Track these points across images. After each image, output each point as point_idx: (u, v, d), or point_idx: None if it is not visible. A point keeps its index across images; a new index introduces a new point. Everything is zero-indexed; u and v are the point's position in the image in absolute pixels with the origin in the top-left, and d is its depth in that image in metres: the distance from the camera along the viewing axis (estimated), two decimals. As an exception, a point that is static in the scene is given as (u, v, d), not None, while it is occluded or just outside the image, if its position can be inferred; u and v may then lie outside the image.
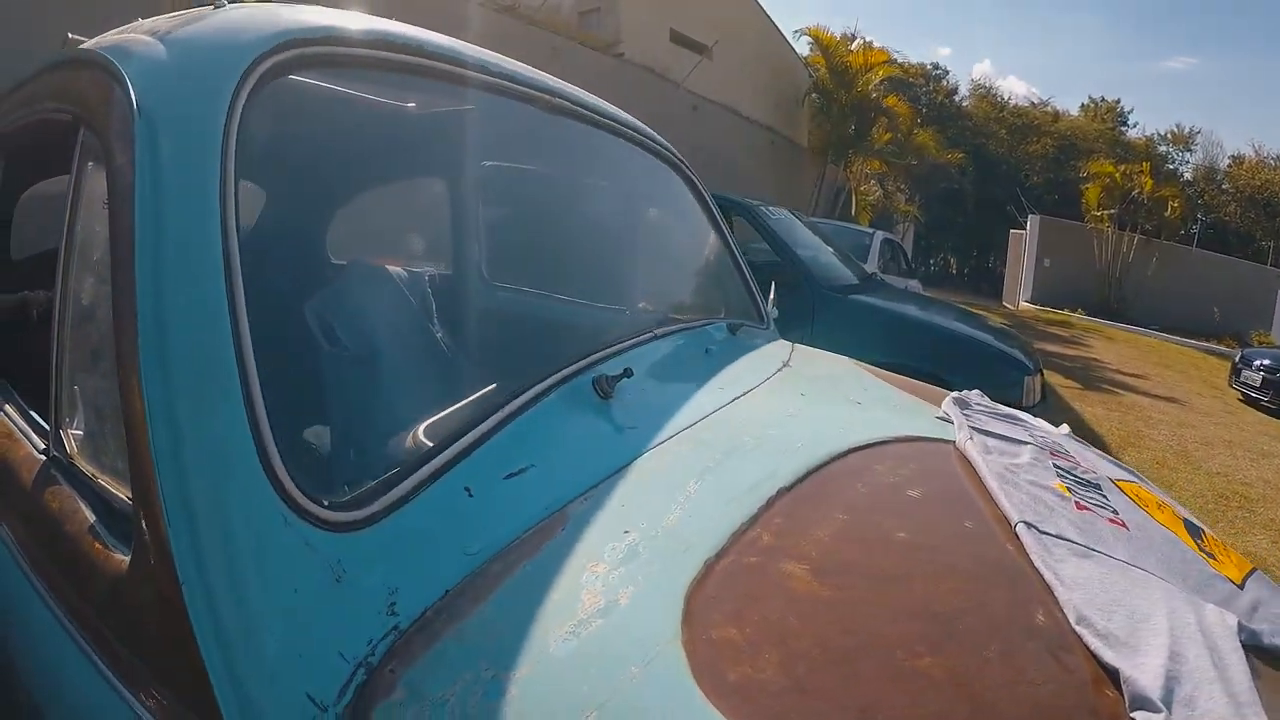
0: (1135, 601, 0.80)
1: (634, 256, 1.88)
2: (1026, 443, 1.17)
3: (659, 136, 1.83)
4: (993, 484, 0.98)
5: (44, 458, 0.95)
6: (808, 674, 0.62)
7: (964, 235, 29.68)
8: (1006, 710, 0.62)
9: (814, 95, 17.13)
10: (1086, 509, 0.97)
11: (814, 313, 4.77)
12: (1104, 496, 1.05)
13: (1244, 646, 0.77)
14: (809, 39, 16.51)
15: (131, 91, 0.80)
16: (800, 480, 0.91)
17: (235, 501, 0.67)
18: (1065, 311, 17.07)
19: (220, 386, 0.70)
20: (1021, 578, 0.80)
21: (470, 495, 0.80)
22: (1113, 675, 0.67)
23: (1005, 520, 0.89)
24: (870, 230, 10.60)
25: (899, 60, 29.13)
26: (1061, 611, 0.74)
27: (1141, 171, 17.83)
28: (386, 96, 1.30)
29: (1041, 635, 0.71)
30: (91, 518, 0.81)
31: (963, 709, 0.61)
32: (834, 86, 16.17)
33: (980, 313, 16.09)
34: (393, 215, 1.84)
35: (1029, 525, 0.89)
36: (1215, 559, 0.98)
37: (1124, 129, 31.97)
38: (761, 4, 16.44)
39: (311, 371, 0.99)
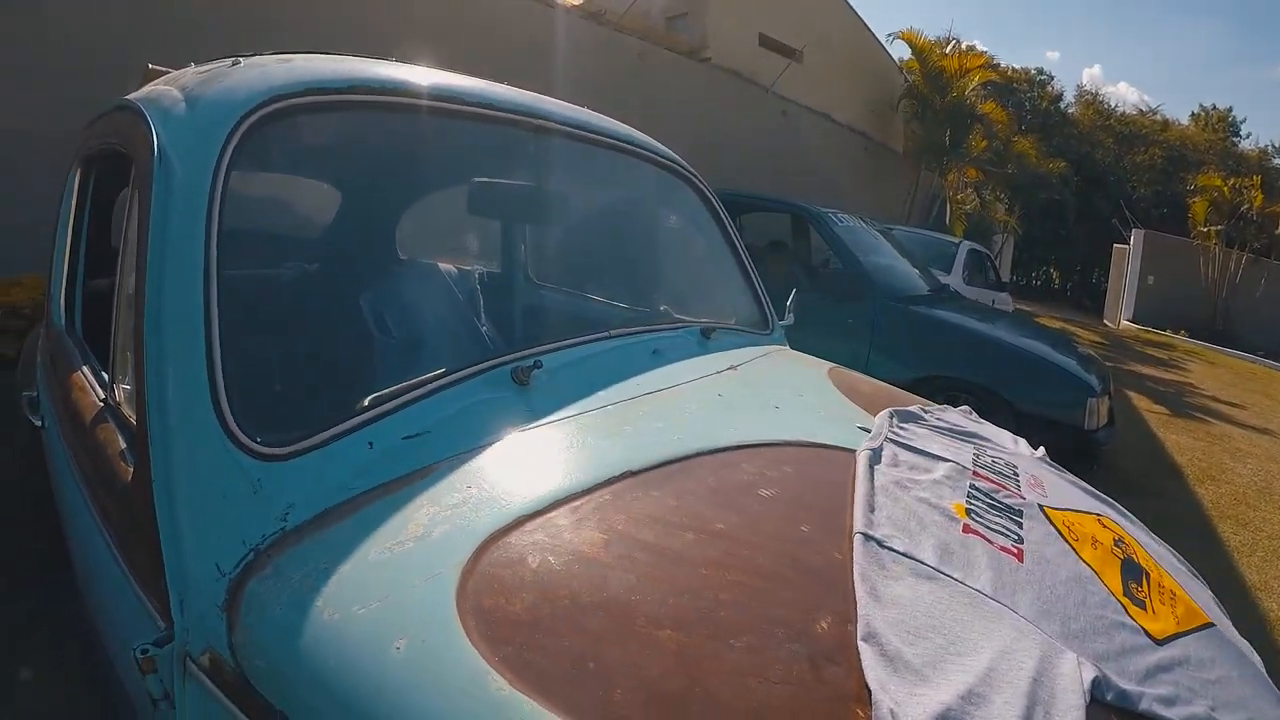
0: (963, 633, 0.79)
1: (625, 260, 2.00)
2: (948, 460, 1.18)
3: (668, 151, 1.93)
4: (860, 494, 0.99)
5: (101, 404, 1.22)
6: (545, 616, 0.74)
7: (1068, 249, 28.27)
8: (720, 695, 0.66)
9: (908, 100, 16.76)
10: (975, 533, 0.98)
11: (875, 323, 4.76)
12: (1015, 524, 1.04)
13: (1107, 706, 0.77)
14: (903, 42, 16.15)
15: (154, 137, 1.08)
16: (653, 468, 1.01)
17: (193, 432, 0.93)
18: (1167, 332, 16.12)
19: (192, 353, 0.95)
20: (827, 585, 0.83)
21: (371, 448, 1.02)
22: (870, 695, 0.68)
23: (869, 539, 0.91)
24: (956, 240, 10.33)
25: (1000, 65, 28.12)
26: (855, 625, 0.76)
27: (1252, 185, 16.66)
28: (366, 131, 1.45)
29: (812, 642, 0.74)
30: (122, 445, 1.06)
31: (676, 683, 0.67)
32: (928, 91, 15.78)
33: (1069, 331, 15.42)
34: (360, 224, 2.01)
35: (867, 537, 0.91)
36: (1144, 608, 0.96)
37: (1236, 139, 29.81)
38: (855, 8, 16.21)
39: (263, 344, 1.22)
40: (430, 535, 0.87)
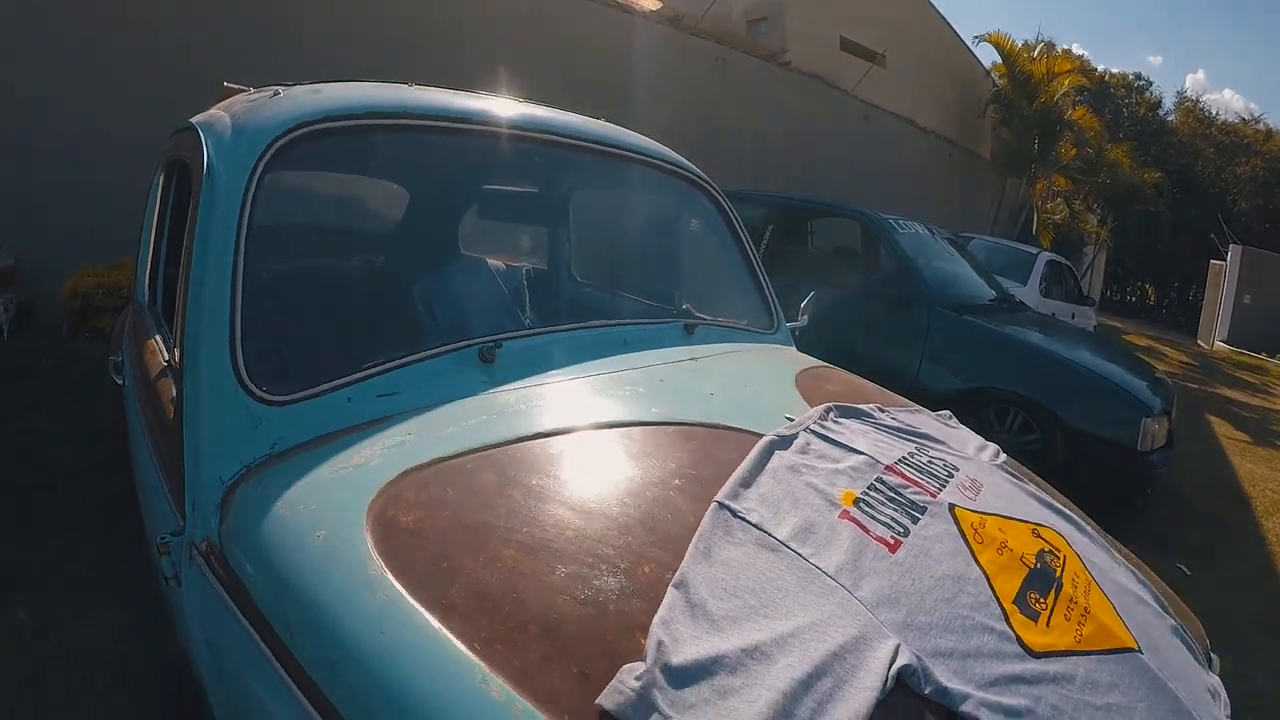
0: (779, 599, 0.84)
1: (629, 258, 2.16)
2: (863, 454, 1.23)
3: (679, 158, 2.08)
4: (740, 470, 1.08)
5: (165, 364, 1.49)
6: (425, 527, 0.95)
7: (1164, 264, 26.77)
8: (529, 602, 0.81)
9: (995, 106, 16.30)
10: (852, 520, 1.03)
11: (928, 332, 4.75)
12: (908, 519, 1.08)
13: (922, 699, 0.79)
14: (989, 46, 15.69)
15: (205, 154, 1.35)
16: (560, 432, 1.18)
17: (214, 381, 1.18)
18: (1263, 356, 15.22)
19: (219, 323, 1.20)
20: (667, 540, 0.94)
21: (349, 402, 1.25)
22: (651, 649, 0.76)
23: (724, 506, 1.00)
24: (1034, 250, 10.02)
25: (1097, 70, 26.86)
26: (673, 573, 0.86)
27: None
28: (376, 147, 1.68)
29: (627, 580, 0.86)
30: (173, 394, 1.28)
31: (499, 588, 0.83)
32: (1015, 96, 15.32)
33: (1157, 350, 14.72)
34: (366, 227, 2.26)
35: (721, 505, 0.99)
36: (1034, 620, 0.97)
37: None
38: (942, 12, 15.89)
39: (273, 319, 1.44)
40: (368, 464, 1.10)
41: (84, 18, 5.57)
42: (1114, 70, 27.97)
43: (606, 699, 0.70)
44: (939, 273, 5.25)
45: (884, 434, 1.39)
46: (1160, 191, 19.10)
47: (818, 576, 0.91)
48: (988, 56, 16.84)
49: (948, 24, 16.21)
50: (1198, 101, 27.44)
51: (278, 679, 0.86)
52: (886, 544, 1.01)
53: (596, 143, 1.87)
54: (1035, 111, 14.98)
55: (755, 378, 1.65)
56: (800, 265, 5.65)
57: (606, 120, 2.11)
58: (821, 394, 1.59)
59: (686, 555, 0.90)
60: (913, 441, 1.39)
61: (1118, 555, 1.36)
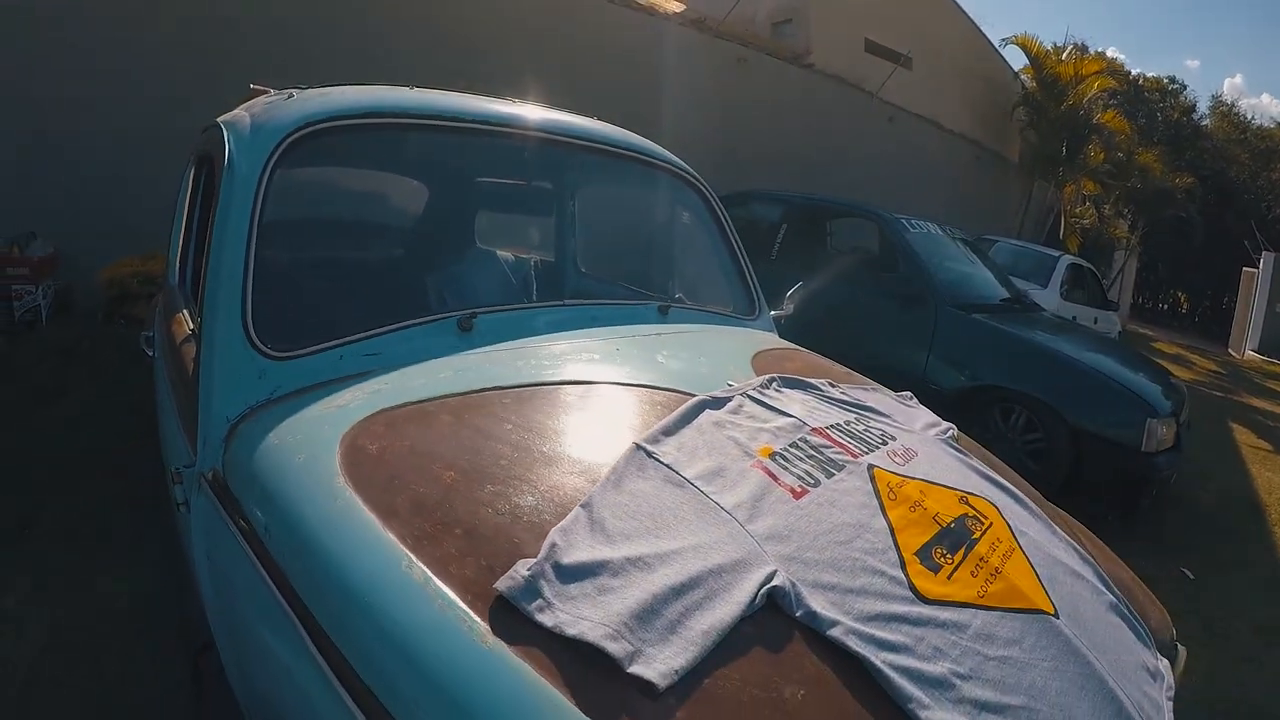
0: (673, 523, 0.95)
1: (616, 247, 2.28)
2: (792, 418, 1.31)
3: (672, 156, 2.19)
4: (666, 420, 1.19)
5: (190, 331, 1.66)
6: (386, 455, 1.10)
7: (1197, 271, 26.18)
8: (457, 510, 0.96)
9: (1023, 109, 16.15)
10: (764, 470, 1.12)
11: (935, 329, 4.80)
12: (821, 474, 1.14)
13: (793, 620, 0.86)
14: (1016, 48, 15.55)
15: (227, 148, 1.53)
16: (516, 386, 1.33)
17: (227, 337, 1.36)
18: (1294, 366, 14.96)
19: (234, 291, 1.38)
20: (586, 471, 1.07)
21: (340, 359, 1.41)
22: (545, 549, 0.89)
23: (640, 447, 1.12)
24: (1056, 254, 9.97)
25: (1132, 73, 26.42)
26: (585, 496, 1.00)
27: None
28: (378, 143, 1.85)
29: (543, 500, 1.00)
30: (195, 352, 1.46)
31: (435, 500, 0.98)
32: (1044, 99, 15.16)
33: (1185, 358, 14.48)
34: (368, 214, 2.42)
35: (638, 447, 1.10)
36: (934, 571, 1.00)
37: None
38: (970, 14, 15.78)
39: (280, 291, 1.59)
40: (347, 406, 1.26)
41: (121, 24, 5.81)
42: (1149, 74, 27.48)
43: (502, 584, 0.82)
44: (949, 272, 5.29)
45: (824, 403, 1.46)
46: (1192, 197, 18.76)
47: (714, 510, 1.00)
48: (1017, 60, 16.70)
49: (975, 26, 16.06)
50: (1233, 106, 26.87)
51: (256, 574, 1.04)
52: (792, 491, 1.08)
53: (585, 139, 2.00)
54: (1063, 114, 14.81)
55: (711, 352, 1.75)
56: (814, 263, 5.72)
57: (617, 121, 2.23)
58: (776, 369, 1.65)
59: (599, 485, 1.02)
60: (853, 412, 1.45)
61: (1060, 532, 1.38)
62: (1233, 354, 16.88)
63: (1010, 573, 1.06)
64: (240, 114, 1.66)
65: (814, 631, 0.86)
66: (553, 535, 0.90)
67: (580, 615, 0.79)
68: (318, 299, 1.82)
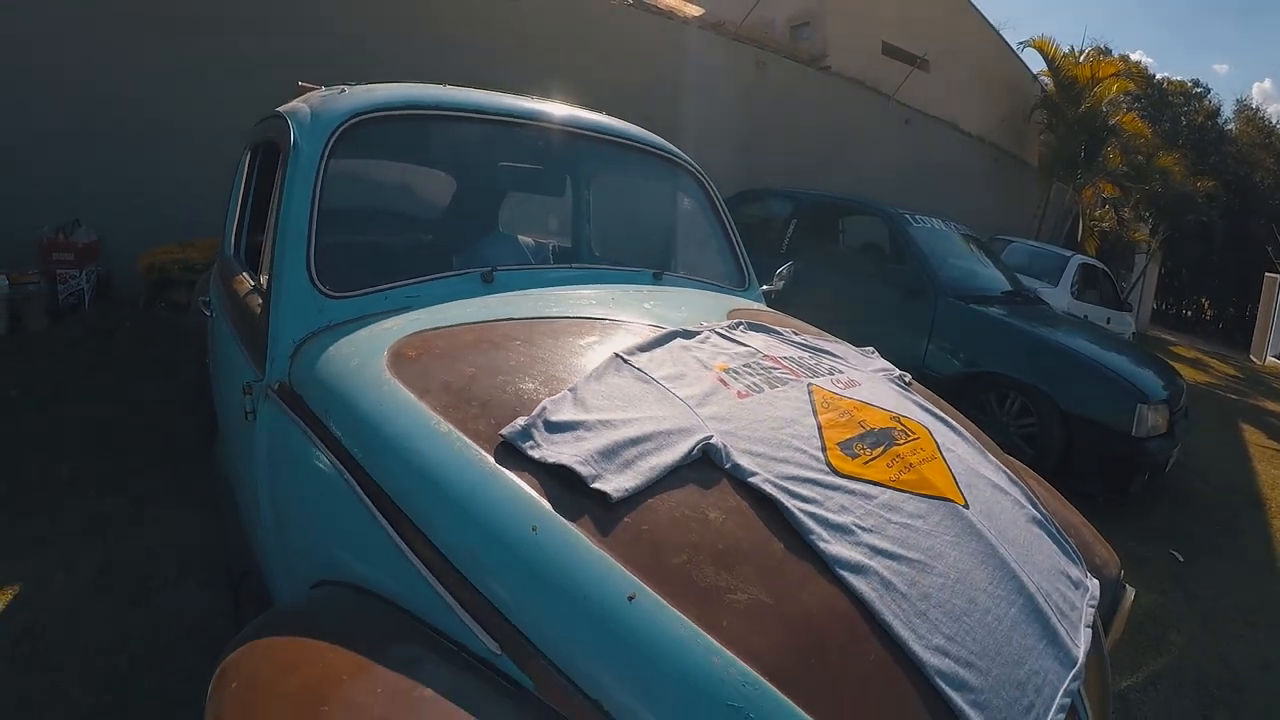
0: (639, 403, 1.18)
1: (622, 225, 2.55)
2: (749, 348, 1.51)
3: (669, 145, 2.46)
4: (642, 341, 1.41)
5: (252, 286, 1.95)
6: (421, 360, 1.33)
7: (1219, 277, 25.81)
8: (476, 392, 1.19)
9: (1042, 111, 16.15)
10: (718, 379, 1.32)
11: (934, 318, 4.96)
12: (764, 384, 1.33)
13: (722, 470, 1.05)
14: (1034, 51, 15.54)
15: (291, 135, 1.79)
16: (524, 319, 1.56)
17: (294, 280, 1.60)
18: (1314, 372, 14.81)
19: (299, 246, 1.63)
20: (576, 374, 1.28)
21: (384, 299, 1.65)
22: (537, 409, 1.12)
23: (618, 355, 1.35)
24: (1068, 254, 10.04)
25: (1154, 76, 26.15)
26: (571, 384, 1.22)
27: None
28: (417, 132, 2.12)
29: (542, 386, 1.23)
30: (260, 300, 1.74)
31: (459, 385, 1.22)
32: (1062, 101, 15.16)
33: (1203, 363, 14.37)
34: (408, 188, 2.70)
35: (616, 355, 1.33)
36: (850, 457, 1.15)
37: None
38: (989, 18, 15.83)
39: (336, 245, 1.79)
40: (390, 329, 1.49)
41: (164, 26, 6.13)
42: (1173, 77, 27.09)
43: (505, 430, 1.07)
44: (949, 264, 5.45)
45: (782, 343, 1.64)
46: (1213, 201, 18.61)
47: (670, 397, 1.22)
48: (1036, 63, 16.70)
49: (993, 29, 16.12)
50: (1258, 110, 26.49)
51: (318, 449, 1.28)
52: (738, 393, 1.28)
53: (595, 131, 2.27)
54: (1081, 116, 14.79)
55: (692, 305, 1.94)
56: (822, 256, 5.90)
57: (637, 122, 2.49)
58: (747, 320, 1.83)
59: (579, 379, 1.25)
60: (808, 351, 1.63)
61: (993, 459, 1.50)
62: (1254, 360, 16.74)
63: (926, 470, 1.20)
64: (300, 105, 1.94)
65: (738, 479, 1.05)
66: (544, 403, 1.14)
67: (560, 451, 1.03)
68: (366, 254, 2.16)
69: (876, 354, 1.87)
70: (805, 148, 11.18)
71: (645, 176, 2.56)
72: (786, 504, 1.00)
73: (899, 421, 1.34)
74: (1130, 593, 1.80)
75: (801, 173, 10.45)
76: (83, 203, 5.95)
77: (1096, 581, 1.38)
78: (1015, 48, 16.76)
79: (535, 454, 1.03)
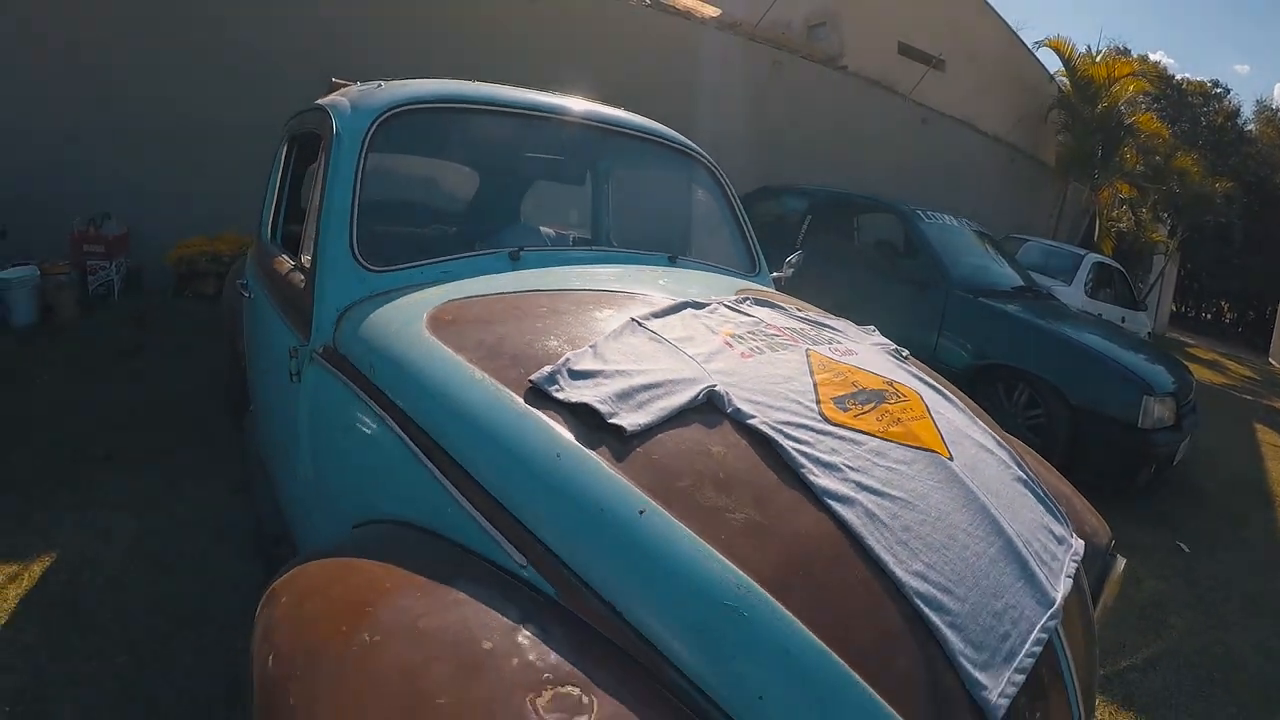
0: (651, 356, 1.30)
1: (641, 210, 2.67)
2: (753, 319, 1.62)
3: (683, 138, 2.60)
4: (656, 309, 1.53)
5: (292, 265, 2.09)
6: (456, 322, 1.46)
7: (1241, 280, 25.60)
8: (505, 348, 1.32)
9: (1058, 111, 16.11)
10: (724, 342, 1.43)
11: (944, 311, 5.04)
12: (766, 347, 1.45)
13: (724, 414, 1.16)
14: (1050, 50, 15.50)
15: (334, 125, 1.93)
16: (549, 290, 1.69)
17: (338, 256, 1.74)
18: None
19: (343, 224, 1.77)
20: (593, 333, 1.40)
21: (420, 273, 1.78)
22: (561, 359, 1.25)
23: (634, 319, 1.48)
24: (1082, 252, 10.06)
25: (1173, 77, 25.94)
26: (591, 342, 1.34)
27: None
28: (449, 123, 2.26)
29: (567, 344, 1.34)
30: (301, 277, 1.89)
31: (492, 341, 1.35)
32: (1078, 101, 15.14)
33: (1220, 365, 14.26)
34: (441, 175, 2.86)
35: (633, 319, 1.45)
36: (842, 410, 1.25)
37: None
38: (1005, 18, 15.80)
39: (376, 225, 1.93)
40: (426, 298, 1.62)
41: (191, 27, 6.31)
42: (1193, 78, 26.81)
43: (533, 376, 1.20)
44: (960, 259, 5.53)
45: (785, 316, 1.74)
46: (1232, 202, 18.47)
47: (680, 354, 1.34)
48: (1053, 63, 16.65)
49: (1010, 29, 16.10)
50: (1279, 111, 26.19)
51: (362, 402, 1.42)
52: (741, 353, 1.40)
53: (612, 124, 2.42)
54: (1097, 116, 14.78)
55: (704, 283, 2.05)
56: (835, 250, 5.99)
57: (655, 119, 2.61)
58: (748, 296, 1.98)
59: (597, 339, 1.36)
60: (809, 324, 1.73)
61: (982, 424, 1.57)
62: (1273, 363, 16.68)
63: (914, 426, 1.29)
64: (339, 99, 2.09)
65: (738, 421, 1.16)
66: (567, 355, 1.27)
67: (581, 393, 1.15)
68: (402, 234, 2.35)
69: (877, 331, 1.96)
70: (821, 147, 11.24)
71: (661, 168, 2.69)
72: (781, 443, 1.11)
73: (891, 385, 1.43)
74: (1121, 561, 1.87)
75: (817, 172, 10.51)
76: (113, 197, 6.12)
77: (1082, 542, 1.43)
78: (1031, 48, 16.74)
79: (559, 396, 1.16)
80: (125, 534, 2.86)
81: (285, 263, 2.21)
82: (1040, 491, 1.47)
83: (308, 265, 1.86)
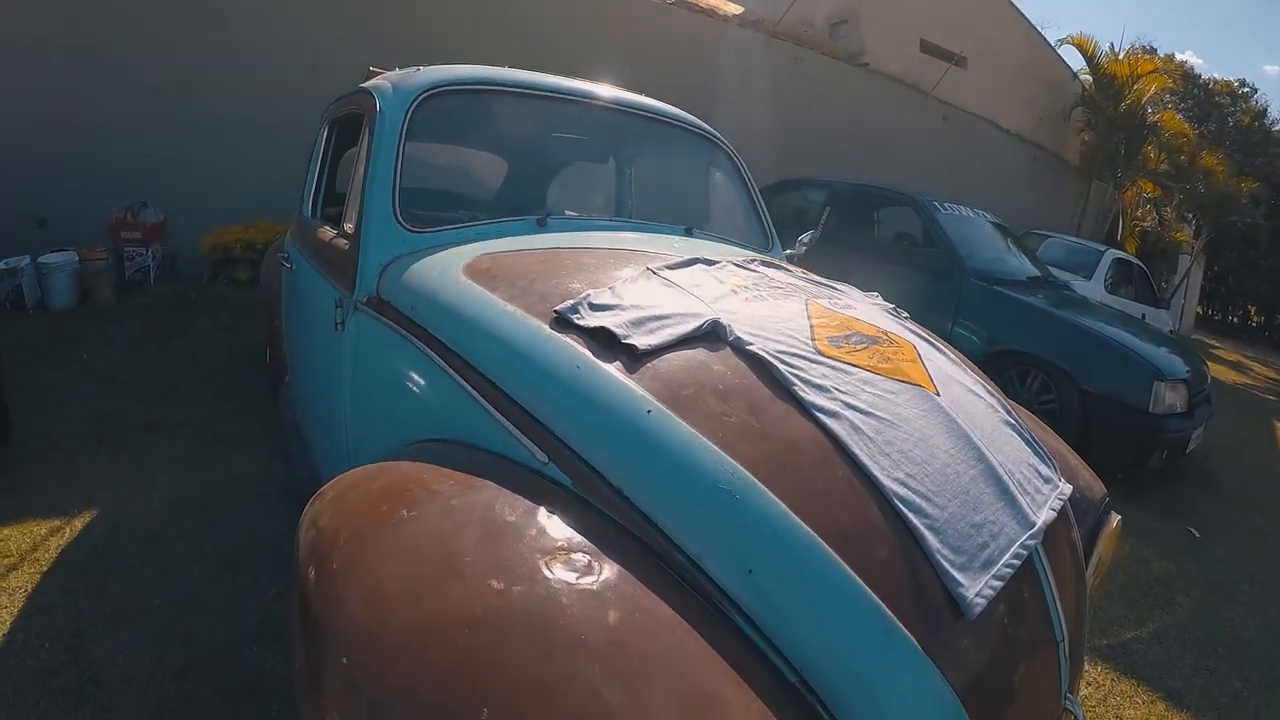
0: (664, 298, 1.42)
1: (661, 189, 2.88)
2: (757, 274, 1.74)
3: (702, 122, 2.76)
4: (670, 262, 1.65)
5: (335, 232, 2.25)
6: (491, 269, 1.60)
7: (1267, 282, 25.23)
8: (534, 286, 1.47)
9: (1081, 109, 16.02)
10: (733, 291, 1.55)
11: (959, 299, 5.11)
12: (767, 295, 1.56)
13: (727, 341, 1.27)
14: (1072, 48, 15.41)
15: (377, 104, 2.08)
16: (566, 248, 1.83)
17: (381, 217, 1.90)
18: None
19: (386, 190, 1.92)
20: (611, 279, 1.51)
21: (456, 234, 1.91)
22: (582, 295, 1.38)
23: (649, 268, 1.59)
24: (1101, 248, 10.04)
25: (1200, 76, 25.64)
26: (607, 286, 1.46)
27: None
28: (482, 103, 2.38)
29: (589, 286, 1.44)
30: (345, 242, 2.06)
31: (521, 283, 1.50)
32: (1100, 98, 15.06)
33: (1244, 366, 14.07)
34: (474, 148, 3.00)
35: (648, 268, 1.58)
36: (838, 348, 1.36)
37: None
38: (1026, 15, 15.75)
39: (415, 190, 2.07)
40: (463, 251, 1.77)
41: (227, 23, 6.55)
42: (1219, 77, 26.43)
43: (557, 306, 1.34)
44: (975, 249, 5.60)
45: (790, 276, 1.85)
46: (1258, 203, 18.24)
47: (690, 296, 1.46)
48: (1076, 61, 16.56)
49: (1032, 27, 16.06)
50: (1307, 111, 25.73)
51: (403, 338, 1.57)
52: (745, 299, 1.51)
53: (634, 108, 2.57)
54: (1120, 114, 14.69)
55: (714, 248, 2.18)
56: (854, 240, 6.07)
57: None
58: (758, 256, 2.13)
59: (619, 281, 1.50)
60: (814, 285, 1.82)
61: (973, 374, 1.66)
62: (1300, 364, 16.47)
63: (903, 365, 1.38)
64: (382, 82, 2.26)
65: (738, 347, 1.28)
66: (587, 292, 1.40)
67: (599, 319, 1.29)
68: (439, 200, 2.59)
69: (879, 297, 2.06)
70: (843, 144, 11.30)
71: (680, 149, 2.83)
72: (776, 365, 1.23)
73: (885, 334, 1.51)
74: (1116, 517, 1.92)
75: (839, 168, 10.57)
76: (151, 187, 6.34)
77: (1069, 486, 1.48)
78: (1054, 45, 16.66)
79: (580, 322, 1.30)
80: (164, 493, 3.02)
81: (328, 232, 2.37)
82: (1029, 436, 1.53)
83: (350, 231, 2.01)
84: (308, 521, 1.09)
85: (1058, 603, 1.28)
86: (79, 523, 2.76)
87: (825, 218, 6.37)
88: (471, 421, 1.27)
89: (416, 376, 1.49)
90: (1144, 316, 9.41)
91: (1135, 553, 3.93)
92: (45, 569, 2.48)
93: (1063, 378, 4.56)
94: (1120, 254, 10.07)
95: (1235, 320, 29.84)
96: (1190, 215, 18.38)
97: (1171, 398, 4.45)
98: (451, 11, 7.50)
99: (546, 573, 0.88)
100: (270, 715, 1.96)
